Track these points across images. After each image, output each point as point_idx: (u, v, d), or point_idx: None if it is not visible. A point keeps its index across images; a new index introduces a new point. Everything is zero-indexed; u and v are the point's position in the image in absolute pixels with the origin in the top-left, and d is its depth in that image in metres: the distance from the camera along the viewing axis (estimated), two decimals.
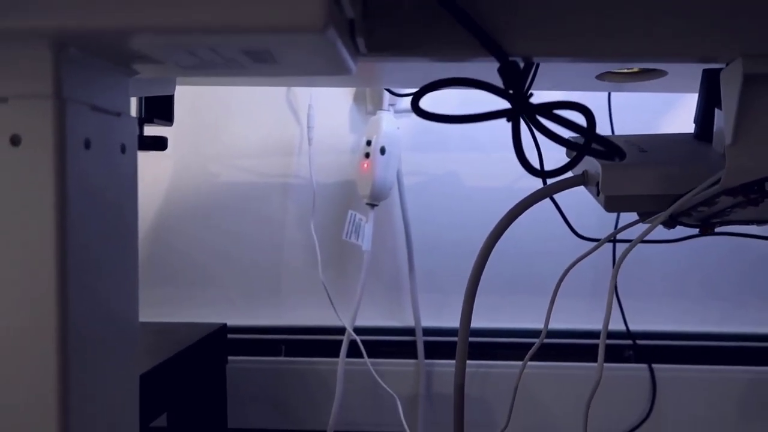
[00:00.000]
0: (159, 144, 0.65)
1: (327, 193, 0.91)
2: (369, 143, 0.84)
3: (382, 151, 0.83)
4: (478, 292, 0.54)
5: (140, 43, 0.28)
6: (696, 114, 0.51)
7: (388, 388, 0.84)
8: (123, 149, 0.33)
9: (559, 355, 0.89)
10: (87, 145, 0.29)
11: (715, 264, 0.89)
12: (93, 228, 0.30)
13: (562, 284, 0.56)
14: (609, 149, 0.38)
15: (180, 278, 0.92)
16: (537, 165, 0.63)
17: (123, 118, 0.33)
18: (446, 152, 0.91)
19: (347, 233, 0.82)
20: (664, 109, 0.88)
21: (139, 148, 0.66)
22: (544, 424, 0.88)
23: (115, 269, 0.32)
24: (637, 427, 0.87)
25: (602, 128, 0.87)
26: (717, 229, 0.50)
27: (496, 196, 0.89)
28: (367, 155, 0.84)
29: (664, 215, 0.44)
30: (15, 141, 0.27)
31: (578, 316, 0.89)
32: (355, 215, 0.83)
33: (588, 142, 0.37)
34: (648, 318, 0.90)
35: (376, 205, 0.85)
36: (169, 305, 0.91)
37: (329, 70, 0.34)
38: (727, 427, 0.88)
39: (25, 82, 0.27)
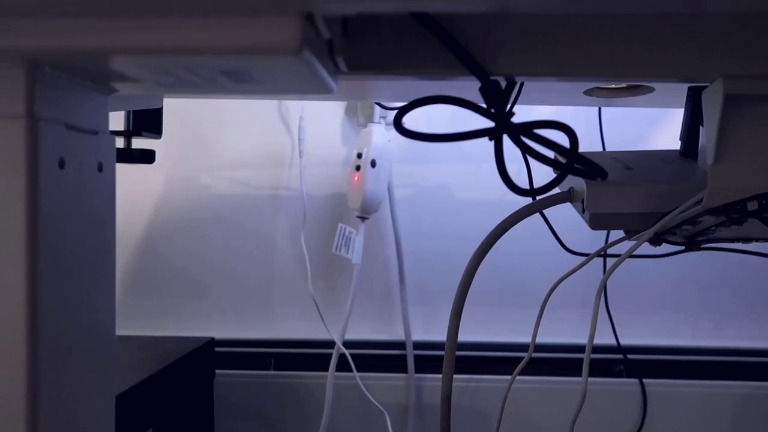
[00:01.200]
0: (147, 157, 0.65)
1: (318, 206, 0.90)
2: (360, 156, 0.84)
3: (373, 164, 0.83)
4: (469, 305, 0.54)
5: (115, 64, 0.28)
6: (681, 131, 0.51)
7: (377, 403, 0.83)
8: (100, 167, 0.33)
9: (550, 369, 0.88)
10: (61, 164, 0.29)
11: (707, 278, 0.89)
12: (67, 248, 0.30)
13: (553, 298, 0.56)
14: (591, 169, 0.38)
15: (170, 290, 0.91)
16: (525, 180, 0.63)
17: (100, 136, 0.33)
18: (437, 164, 0.91)
19: (337, 246, 0.81)
20: (657, 121, 0.88)
21: (127, 161, 0.66)
22: None
23: (90, 288, 0.32)
24: None
25: (593, 142, 0.87)
26: (705, 245, 0.50)
27: (487, 208, 0.89)
28: (358, 168, 0.83)
29: (648, 234, 0.44)
30: None
31: (569, 330, 0.88)
32: (345, 228, 0.83)
33: (570, 162, 0.37)
34: (639, 332, 0.90)
35: (367, 218, 0.84)
36: (159, 317, 0.91)
37: (309, 90, 0.34)
38: None
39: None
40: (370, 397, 0.83)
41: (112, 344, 0.35)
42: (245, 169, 0.92)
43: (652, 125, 0.89)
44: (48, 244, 0.28)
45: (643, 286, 0.90)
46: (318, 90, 0.33)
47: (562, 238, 0.70)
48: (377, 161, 0.83)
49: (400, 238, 0.89)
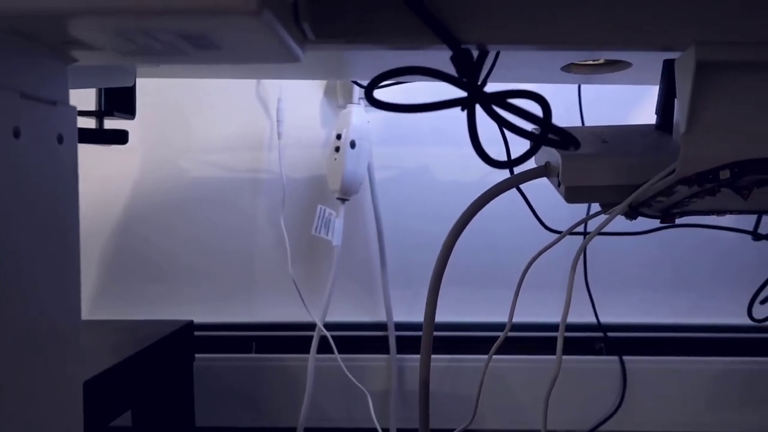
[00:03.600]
0: (119, 137, 0.63)
1: (297, 188, 0.90)
2: (339, 137, 0.83)
3: (353, 144, 0.82)
4: (449, 285, 0.54)
5: (70, 28, 0.27)
6: (657, 105, 0.51)
7: (359, 384, 0.83)
8: (60, 139, 0.32)
9: (530, 347, 0.89)
10: (16, 134, 0.28)
11: (685, 255, 0.90)
12: (23, 221, 0.29)
13: (534, 277, 0.56)
14: (564, 139, 0.38)
15: (148, 274, 0.90)
16: (501, 155, 0.63)
17: (60, 107, 0.32)
18: (417, 146, 0.91)
19: (317, 228, 0.81)
20: (637, 100, 0.88)
21: (99, 142, 0.65)
22: (513, 417, 0.88)
23: (50, 265, 0.31)
24: (608, 418, 0.88)
25: (574, 121, 0.87)
26: (681, 220, 0.50)
27: (468, 189, 0.88)
28: (337, 149, 0.83)
29: (623, 205, 0.44)
30: None
31: (549, 308, 0.89)
32: (325, 210, 0.82)
33: (543, 132, 0.36)
34: (618, 310, 0.91)
35: (347, 200, 0.84)
36: (137, 301, 0.90)
37: (276, 58, 0.33)
38: (696, 417, 0.89)
39: None
40: (352, 378, 0.83)
41: (76, 328, 0.34)
42: (223, 151, 0.91)
43: (631, 104, 0.89)
44: (2, 216, 0.27)
45: (621, 265, 0.90)
46: (284, 58, 0.32)
47: (541, 218, 0.70)
48: (357, 142, 0.83)
49: (380, 219, 0.88)
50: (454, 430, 0.73)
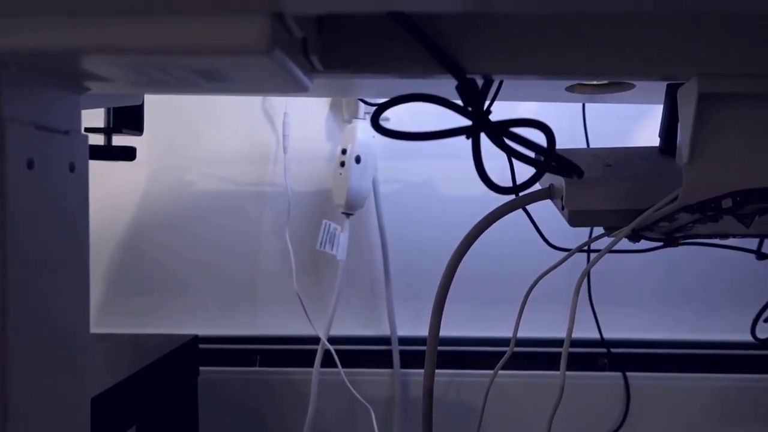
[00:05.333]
0: (127, 154, 0.64)
1: (302, 202, 0.90)
2: (344, 152, 0.84)
3: (358, 160, 0.83)
4: (454, 301, 0.54)
5: (85, 64, 0.28)
6: (660, 128, 0.51)
7: (362, 399, 0.83)
8: (72, 168, 0.32)
9: (534, 363, 0.89)
10: (30, 165, 0.29)
11: (688, 271, 0.90)
12: (36, 249, 0.29)
13: (538, 293, 0.56)
14: (567, 167, 0.38)
15: (154, 287, 0.91)
16: (509, 176, 0.63)
17: (72, 135, 0.32)
18: (422, 159, 0.91)
19: (321, 243, 0.81)
20: (642, 116, 0.89)
21: (107, 159, 0.65)
22: None
23: (62, 289, 0.32)
24: None
25: (577, 136, 0.88)
26: (682, 241, 0.50)
27: (472, 203, 0.89)
28: (343, 164, 0.83)
29: (626, 231, 0.45)
30: None
31: (554, 324, 0.89)
32: (330, 224, 0.83)
33: (547, 161, 0.37)
34: (622, 326, 0.91)
35: (352, 214, 0.84)
36: (144, 315, 0.90)
37: (284, 88, 0.33)
38: None
39: None
40: (355, 393, 0.83)
41: (86, 345, 0.35)
42: (229, 165, 0.92)
43: (636, 120, 0.89)
44: (17, 246, 0.28)
45: (625, 280, 0.90)
46: (292, 89, 0.33)
47: (545, 232, 0.70)
48: (362, 157, 0.83)
49: (385, 233, 0.89)
50: None
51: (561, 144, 0.49)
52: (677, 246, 0.48)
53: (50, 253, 0.31)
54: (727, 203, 0.37)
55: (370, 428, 0.83)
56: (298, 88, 0.33)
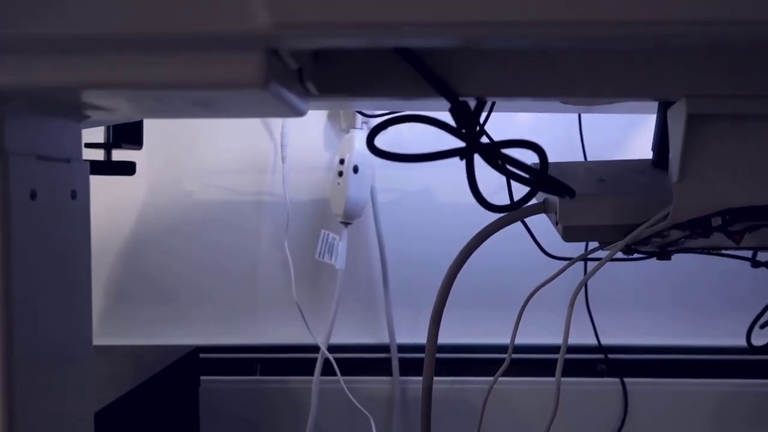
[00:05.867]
0: (127, 169, 0.65)
1: (301, 211, 0.91)
2: (342, 162, 0.84)
3: (355, 169, 0.84)
4: (452, 308, 0.55)
5: (85, 98, 0.28)
6: (653, 142, 0.52)
7: (361, 407, 0.84)
8: (73, 195, 0.33)
9: (534, 369, 0.89)
10: (33, 195, 0.29)
11: (686, 277, 0.91)
12: (40, 274, 0.30)
13: (538, 299, 0.57)
14: (559, 188, 0.39)
15: (155, 297, 0.91)
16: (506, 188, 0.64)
17: (73, 164, 0.33)
18: (419, 168, 0.92)
19: (320, 253, 0.82)
20: (637, 124, 0.89)
21: (107, 174, 0.66)
22: None
23: (66, 312, 0.33)
24: None
25: (574, 142, 0.88)
26: (675, 253, 0.51)
27: (470, 211, 0.89)
28: (340, 174, 0.84)
29: (619, 246, 0.45)
30: None
31: (552, 330, 0.89)
32: (328, 234, 0.83)
33: (539, 181, 0.37)
34: (620, 332, 0.91)
35: (350, 224, 0.85)
36: (144, 325, 0.91)
37: (279, 114, 0.34)
38: None
39: None
40: (354, 401, 0.84)
41: (89, 364, 0.36)
42: (228, 175, 0.92)
43: (632, 127, 0.90)
44: (22, 273, 0.28)
45: (622, 287, 0.91)
46: (288, 114, 0.33)
47: (542, 241, 0.71)
48: (360, 167, 0.84)
49: (383, 242, 0.89)
50: None
51: (558, 152, 0.50)
52: (669, 259, 0.49)
53: (53, 277, 0.31)
54: (716, 221, 0.37)
55: None
56: (294, 114, 0.33)
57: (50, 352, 0.32)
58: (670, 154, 0.39)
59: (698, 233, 0.39)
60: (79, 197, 0.33)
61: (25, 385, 0.29)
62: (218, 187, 0.92)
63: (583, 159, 0.87)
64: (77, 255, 0.34)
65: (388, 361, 0.89)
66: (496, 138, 0.40)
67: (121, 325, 0.91)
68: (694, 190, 0.37)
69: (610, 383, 0.90)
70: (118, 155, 0.66)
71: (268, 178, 0.92)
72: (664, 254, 0.49)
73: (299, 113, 0.34)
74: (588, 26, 0.24)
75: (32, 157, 0.30)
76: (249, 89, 0.26)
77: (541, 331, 0.87)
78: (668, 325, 0.92)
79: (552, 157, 0.40)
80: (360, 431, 0.86)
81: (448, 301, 0.55)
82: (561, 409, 0.75)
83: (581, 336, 0.91)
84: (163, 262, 0.91)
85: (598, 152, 0.87)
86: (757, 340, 0.68)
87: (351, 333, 0.90)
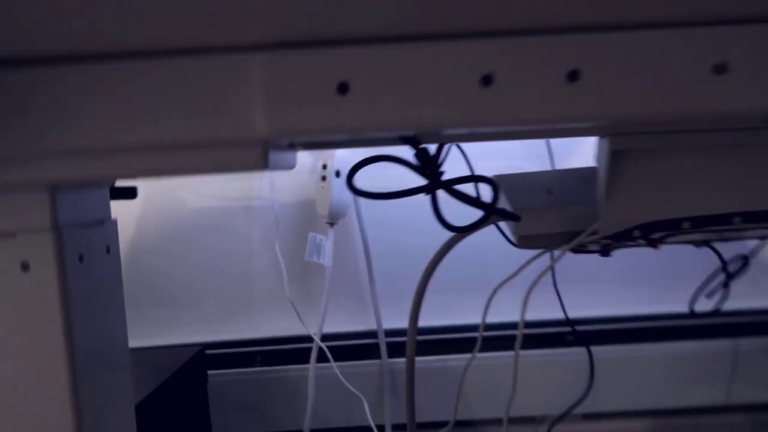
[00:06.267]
0: (129, 193, 0.71)
1: (289, 213, 0.98)
2: (324, 167, 0.91)
3: (338, 174, 0.91)
4: (431, 293, 0.63)
5: (116, 181, 0.35)
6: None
7: (354, 390, 0.93)
8: (108, 250, 0.40)
9: (509, 344, 0.99)
10: (81, 259, 0.36)
11: (641, 255, 1.00)
12: (89, 311, 0.37)
13: (513, 282, 0.65)
14: (507, 215, 0.47)
15: (159, 301, 0.99)
16: None
17: (106, 223, 0.40)
18: (398, 169, 0.99)
19: (309, 254, 0.89)
20: None
21: (111, 199, 0.73)
22: (495, 406, 0.99)
23: (108, 330, 0.40)
24: (580, 401, 0.99)
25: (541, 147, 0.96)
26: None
27: (446, 206, 0.98)
28: (324, 178, 0.91)
29: (564, 250, 0.54)
30: (24, 267, 0.34)
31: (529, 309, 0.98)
32: (315, 236, 0.91)
33: (491, 210, 0.45)
34: (586, 305, 1.01)
35: (335, 224, 0.92)
36: (151, 327, 0.98)
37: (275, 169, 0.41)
38: (656, 398, 1.00)
39: (28, 219, 0.34)
40: (347, 384, 0.93)
41: (127, 366, 0.43)
42: (219, 182, 0.99)
43: None
44: (77, 316, 0.36)
45: (586, 263, 1.00)
46: (283, 169, 0.41)
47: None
48: (341, 171, 0.91)
49: (367, 239, 0.97)
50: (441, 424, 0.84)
51: (523, 154, 0.58)
52: (610, 256, 0.57)
53: (98, 311, 0.39)
54: (636, 234, 0.46)
55: (363, 416, 0.93)
56: (286, 169, 0.41)
57: (99, 359, 0.39)
58: (598, 179, 0.46)
59: (624, 243, 0.48)
60: (112, 251, 0.40)
61: (84, 385, 0.37)
62: (210, 195, 0.99)
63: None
64: (113, 290, 0.41)
65: (377, 345, 0.97)
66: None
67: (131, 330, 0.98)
68: (618, 210, 0.45)
69: (578, 352, 0.99)
70: None
71: (257, 183, 0.98)
72: (606, 253, 0.57)
73: (289, 168, 0.41)
74: None
75: (78, 226, 0.37)
76: (252, 170, 0.34)
77: (514, 311, 0.96)
78: (627, 297, 1.02)
79: (521, 154, 0.47)
80: (354, 411, 0.95)
81: (428, 288, 0.64)
82: (536, 376, 0.84)
83: (552, 311, 1.00)
84: (162, 268, 0.98)
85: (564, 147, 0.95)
86: (700, 308, 0.78)
87: (341, 323, 0.99)
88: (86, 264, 0.37)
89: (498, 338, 0.98)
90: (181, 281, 0.98)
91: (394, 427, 0.96)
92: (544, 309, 0.99)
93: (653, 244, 0.48)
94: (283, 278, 0.94)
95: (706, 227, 0.43)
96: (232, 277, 0.98)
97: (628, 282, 1.01)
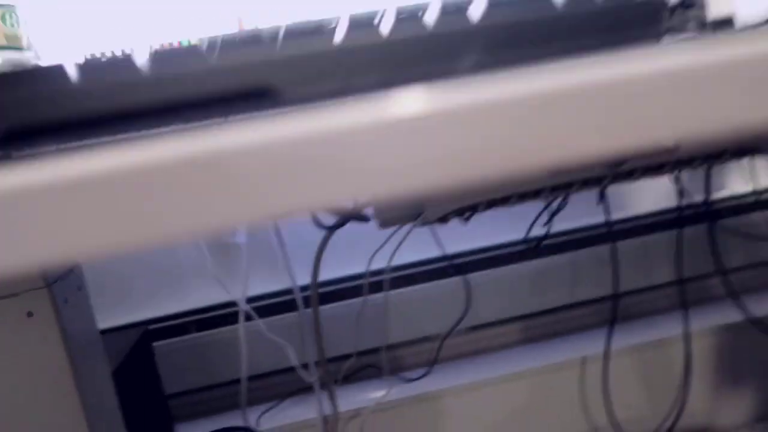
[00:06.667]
0: None
1: None
2: None
3: None
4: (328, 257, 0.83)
5: None
6: None
7: (280, 339, 1.13)
8: (80, 287, 0.56)
9: (401, 284, 1.22)
10: (66, 301, 0.52)
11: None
12: (78, 338, 0.54)
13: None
14: (360, 219, 0.66)
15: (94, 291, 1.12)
16: None
17: (74, 269, 0.55)
18: None
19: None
20: None
21: None
22: (391, 337, 1.23)
23: (89, 334, 0.57)
24: (459, 321, 1.24)
25: None
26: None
27: None
28: None
29: (415, 224, 0.74)
30: (30, 314, 0.50)
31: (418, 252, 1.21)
32: None
33: (348, 217, 0.64)
34: (461, 241, 1.25)
35: None
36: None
37: None
38: (520, 303, 1.28)
39: (28, 283, 0.49)
40: (274, 337, 1.13)
41: (103, 356, 0.60)
42: None
43: None
44: (73, 347, 0.52)
45: None
46: None
47: None
48: None
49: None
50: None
51: None
52: (468, 221, 0.78)
53: (83, 333, 0.55)
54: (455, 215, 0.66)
55: (290, 360, 1.14)
56: None
57: (89, 360, 0.56)
58: None
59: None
60: (82, 288, 0.56)
61: (80, 374, 0.54)
62: None
63: None
64: (88, 312, 0.57)
65: (293, 300, 1.17)
66: None
67: None
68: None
69: (456, 282, 1.24)
70: None
71: None
72: (465, 219, 0.78)
73: None
74: None
75: (59, 280, 0.52)
76: None
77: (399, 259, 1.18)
78: (494, 227, 1.27)
79: None
80: (283, 358, 1.16)
81: (324, 254, 0.83)
82: (428, 308, 1.05)
83: (436, 250, 1.23)
84: (93, 262, 1.11)
85: None
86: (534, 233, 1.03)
87: (261, 285, 1.17)
88: (70, 304, 0.52)
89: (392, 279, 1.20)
90: (111, 271, 1.12)
91: (317, 363, 1.18)
92: (431, 249, 1.22)
93: (464, 219, 0.68)
94: (206, 257, 1.10)
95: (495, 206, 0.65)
96: (160, 261, 1.13)
97: (493, 221, 1.25)
